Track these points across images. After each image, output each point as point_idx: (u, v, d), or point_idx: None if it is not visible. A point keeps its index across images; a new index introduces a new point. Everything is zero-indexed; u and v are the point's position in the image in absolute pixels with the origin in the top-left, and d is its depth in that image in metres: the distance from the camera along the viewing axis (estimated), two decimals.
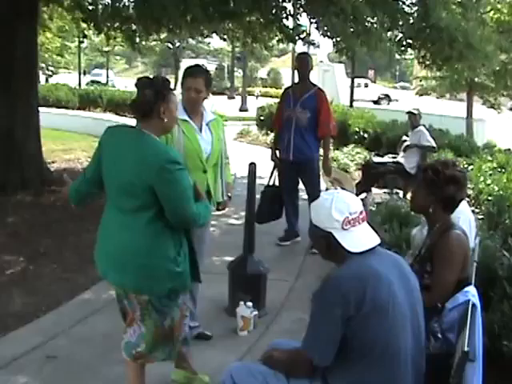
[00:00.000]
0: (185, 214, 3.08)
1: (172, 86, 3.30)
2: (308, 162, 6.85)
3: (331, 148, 7.67)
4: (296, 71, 7.05)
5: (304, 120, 6.73)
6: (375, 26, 9.57)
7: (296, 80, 7.28)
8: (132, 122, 3.27)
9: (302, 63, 6.89)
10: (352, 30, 9.16)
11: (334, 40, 10.23)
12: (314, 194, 6.28)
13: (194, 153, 4.08)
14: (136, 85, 3.18)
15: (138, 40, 12.37)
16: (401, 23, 9.86)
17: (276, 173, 7.09)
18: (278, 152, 7.08)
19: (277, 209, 7.02)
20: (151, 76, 3.43)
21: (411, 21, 9.91)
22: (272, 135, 16.40)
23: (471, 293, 2.97)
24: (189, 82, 4.10)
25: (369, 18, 9.45)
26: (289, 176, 6.97)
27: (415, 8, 10.05)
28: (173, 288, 3.17)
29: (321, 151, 7.08)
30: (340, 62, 34.27)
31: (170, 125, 3.23)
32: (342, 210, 2.52)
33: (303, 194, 7.22)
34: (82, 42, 27.81)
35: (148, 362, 3.43)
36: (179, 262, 3.13)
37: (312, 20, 10.04)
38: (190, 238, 3.29)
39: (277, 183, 7.10)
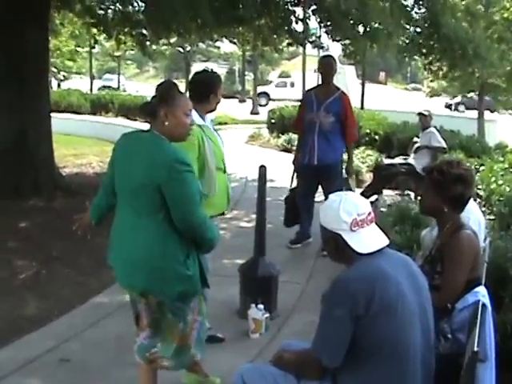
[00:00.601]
0: (192, 219, 3.07)
1: (183, 91, 3.32)
2: (333, 166, 6.75)
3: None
4: (319, 74, 6.95)
5: (328, 124, 6.64)
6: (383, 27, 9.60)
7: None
8: (144, 126, 3.29)
9: (326, 66, 6.79)
10: (360, 29, 9.16)
11: (343, 44, 10.25)
12: None
13: (219, 154, 4.18)
14: None
15: (148, 44, 12.45)
16: (408, 29, 9.88)
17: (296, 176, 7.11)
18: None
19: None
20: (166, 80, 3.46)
21: (419, 27, 9.94)
22: (283, 138, 16.49)
23: (481, 293, 2.98)
24: (221, 85, 4.26)
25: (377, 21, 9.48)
26: (309, 181, 6.91)
27: (422, 11, 10.06)
28: (183, 291, 3.16)
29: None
30: (351, 64, 34.29)
31: (175, 130, 3.15)
32: (350, 212, 2.53)
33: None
34: (93, 47, 27.95)
35: (161, 367, 3.43)
36: (189, 265, 3.13)
37: (321, 23, 10.06)
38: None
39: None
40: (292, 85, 44.72)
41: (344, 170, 7.07)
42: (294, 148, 13.98)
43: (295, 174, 7.13)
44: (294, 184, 7.16)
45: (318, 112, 6.68)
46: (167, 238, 3.10)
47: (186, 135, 3.28)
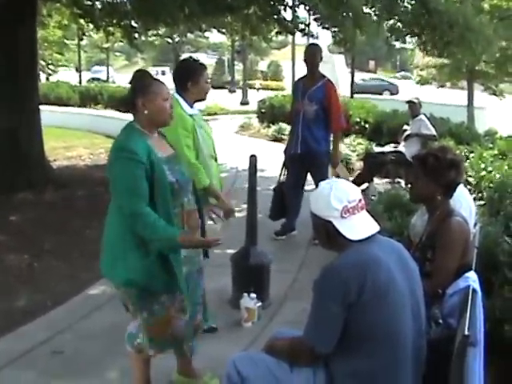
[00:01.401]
0: (124, 207, 3.04)
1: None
2: (316, 155, 6.71)
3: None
4: (304, 63, 6.89)
5: (311, 113, 6.62)
6: (372, 13, 9.59)
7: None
8: (132, 117, 3.29)
9: (310, 55, 6.76)
10: (345, 16, 9.14)
11: (332, 31, 10.22)
12: None
13: (209, 142, 4.23)
14: None
15: (136, 36, 12.38)
16: (399, 10, 9.82)
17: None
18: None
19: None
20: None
21: (409, 8, 9.89)
22: (274, 128, 16.50)
23: (472, 278, 2.99)
24: (206, 74, 4.21)
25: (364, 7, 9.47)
26: (296, 171, 6.90)
27: None
28: (128, 280, 3.13)
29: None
30: (340, 53, 34.26)
31: (157, 116, 3.16)
32: (340, 199, 2.54)
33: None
34: (82, 39, 27.78)
35: (149, 355, 3.44)
36: (140, 257, 3.09)
37: (310, 11, 10.04)
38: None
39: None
40: (163, 73, 45.85)
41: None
42: (285, 138, 14.03)
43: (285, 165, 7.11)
44: (283, 177, 7.12)
45: (302, 101, 6.68)
46: (120, 226, 3.12)
47: (168, 120, 3.26)
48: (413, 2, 10.00)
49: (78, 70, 38.37)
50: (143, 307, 3.23)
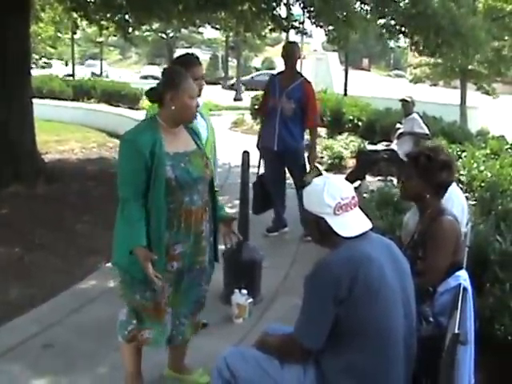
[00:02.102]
0: (119, 194, 3.19)
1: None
2: (293, 152, 6.74)
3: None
4: (283, 60, 6.89)
5: (289, 110, 6.63)
6: (364, 11, 9.59)
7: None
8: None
9: (289, 52, 6.77)
10: (338, 14, 9.14)
11: (326, 29, 10.22)
12: (300, 184, 6.38)
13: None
14: None
15: (130, 30, 12.34)
16: (390, 9, 9.81)
17: (262, 161, 7.08)
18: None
19: (270, 198, 7.01)
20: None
21: (401, 7, 9.88)
22: None
23: (462, 277, 3.01)
24: (199, 70, 4.12)
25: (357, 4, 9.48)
26: (274, 166, 6.90)
27: None
28: (115, 263, 3.30)
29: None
30: (334, 51, 34.28)
31: (182, 113, 3.21)
32: (334, 196, 2.54)
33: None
34: (75, 32, 27.67)
35: (141, 343, 3.43)
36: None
37: (305, 9, 10.03)
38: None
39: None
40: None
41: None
42: None
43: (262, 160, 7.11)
44: (262, 170, 7.10)
45: (280, 98, 6.68)
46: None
47: (191, 118, 3.35)
48: (406, 0, 9.99)
49: (72, 63, 38.16)
50: (133, 291, 3.28)
